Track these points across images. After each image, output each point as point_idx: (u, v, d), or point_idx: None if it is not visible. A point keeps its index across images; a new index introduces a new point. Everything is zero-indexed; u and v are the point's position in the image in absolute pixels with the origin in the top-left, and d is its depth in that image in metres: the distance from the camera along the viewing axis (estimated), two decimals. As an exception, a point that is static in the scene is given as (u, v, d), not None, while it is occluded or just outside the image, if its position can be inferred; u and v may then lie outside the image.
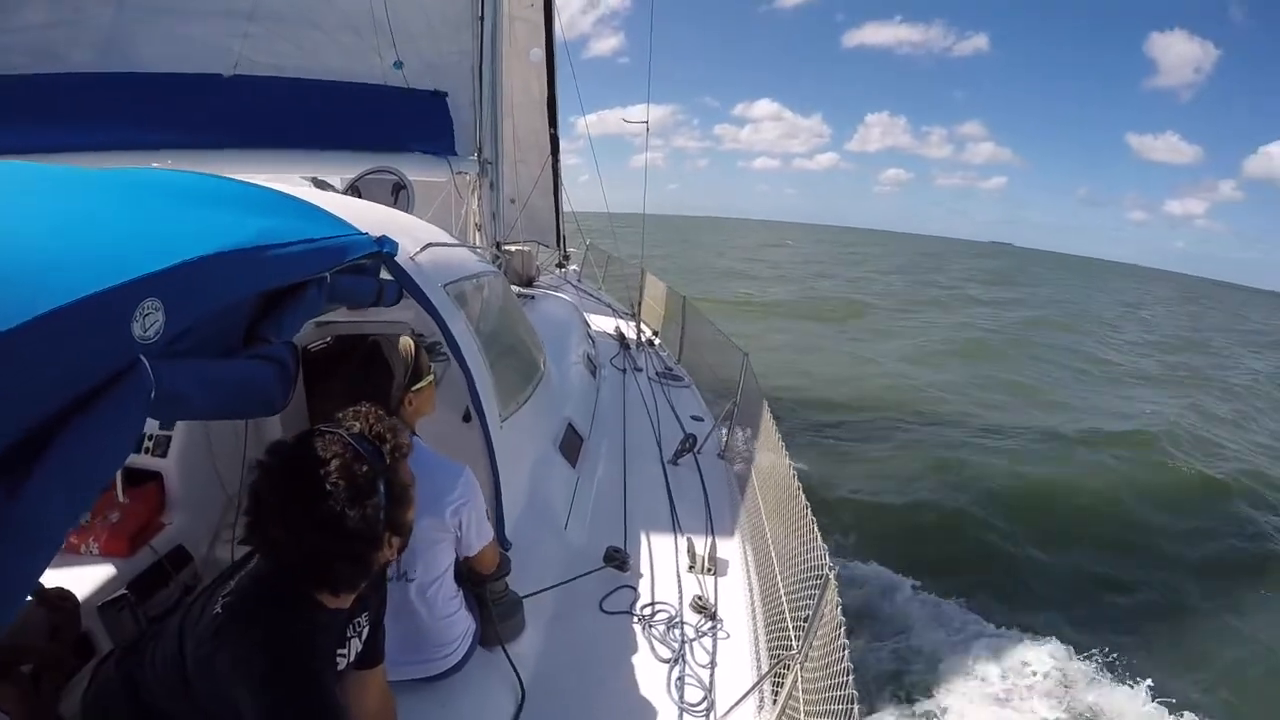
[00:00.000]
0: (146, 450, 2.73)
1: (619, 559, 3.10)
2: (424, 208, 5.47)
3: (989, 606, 6.53)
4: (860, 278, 44.59)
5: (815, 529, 2.61)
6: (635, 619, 2.85)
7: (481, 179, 6.09)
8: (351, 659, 1.55)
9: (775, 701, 2.39)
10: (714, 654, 2.70)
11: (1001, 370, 18.00)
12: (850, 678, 1.96)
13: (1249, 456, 12.30)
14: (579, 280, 10.04)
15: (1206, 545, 8.56)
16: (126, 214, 1.17)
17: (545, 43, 8.07)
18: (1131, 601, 7.14)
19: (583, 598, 2.90)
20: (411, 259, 2.41)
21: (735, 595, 3.11)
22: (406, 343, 2.10)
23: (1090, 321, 30.96)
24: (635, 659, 2.63)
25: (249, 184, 1.83)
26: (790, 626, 2.57)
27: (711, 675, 2.59)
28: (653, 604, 2.95)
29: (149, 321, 0.92)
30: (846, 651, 2.03)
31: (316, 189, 3.98)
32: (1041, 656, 5.80)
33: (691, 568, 3.24)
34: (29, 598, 1.84)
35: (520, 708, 2.22)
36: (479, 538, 2.15)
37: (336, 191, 4.74)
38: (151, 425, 2.74)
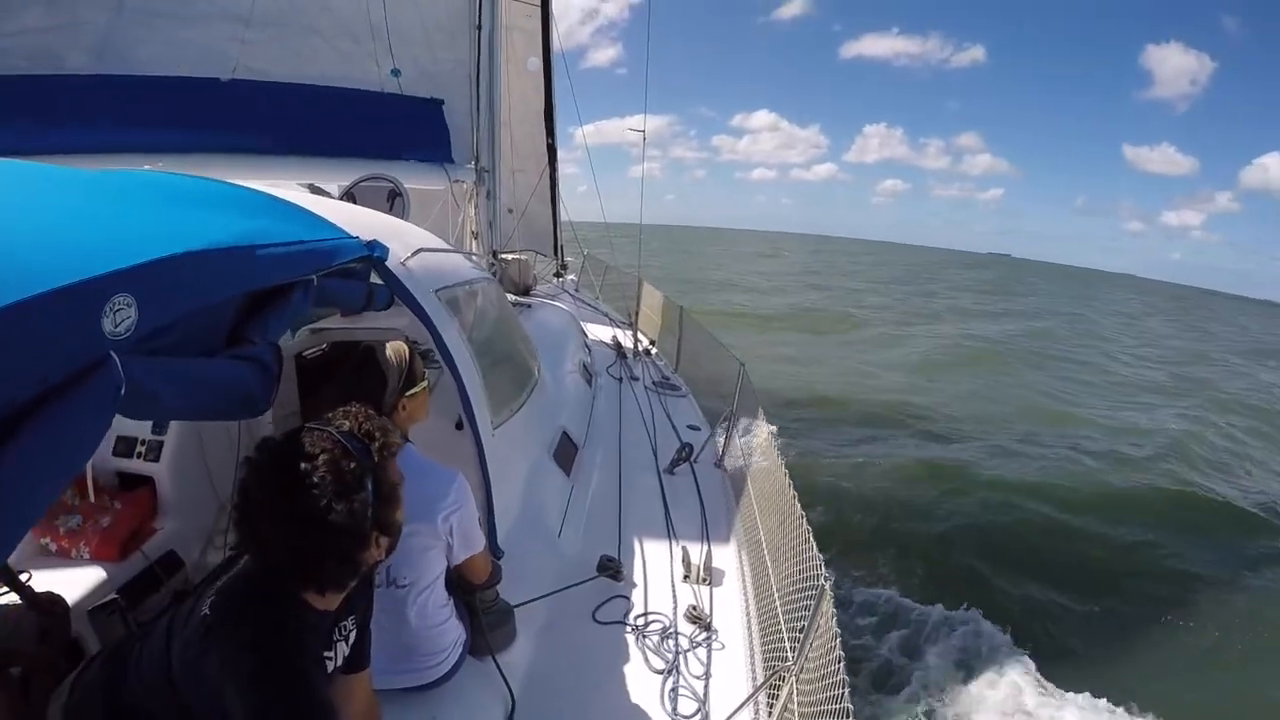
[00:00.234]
0: (139, 455, 2.72)
1: (613, 568, 3.07)
2: (422, 216, 5.45)
3: (989, 620, 6.46)
4: (857, 288, 44.63)
5: (811, 539, 2.59)
6: (629, 629, 2.81)
7: (478, 187, 6.09)
8: (338, 663, 1.53)
9: (770, 714, 2.35)
10: (708, 665, 2.66)
11: (997, 382, 18.02)
12: (846, 690, 1.93)
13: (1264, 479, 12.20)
14: (576, 289, 10.04)
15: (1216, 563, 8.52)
16: (108, 212, 1.16)
17: (543, 52, 8.10)
18: (1145, 620, 7.08)
19: (576, 607, 2.86)
20: (402, 264, 2.39)
21: (730, 606, 3.08)
22: (400, 348, 2.08)
23: (1088, 337, 30.90)
24: (628, 669, 2.59)
25: (239, 186, 1.82)
26: (785, 638, 2.54)
27: (706, 686, 2.55)
28: (647, 614, 2.91)
29: (120, 317, 0.90)
30: (842, 665, 2.00)
31: (312, 195, 3.98)
32: (1038, 668, 5.78)
33: (686, 577, 3.21)
34: (20, 602, 1.85)
35: (510, 718, 2.19)
36: (471, 545, 2.12)
37: (332, 198, 4.74)
38: (144, 430, 2.75)
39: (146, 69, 4.75)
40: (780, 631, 2.62)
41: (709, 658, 2.71)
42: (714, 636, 2.83)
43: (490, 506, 2.59)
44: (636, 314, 8.48)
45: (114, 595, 2.28)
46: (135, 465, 2.71)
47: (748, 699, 2.42)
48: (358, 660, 1.63)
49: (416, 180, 5.55)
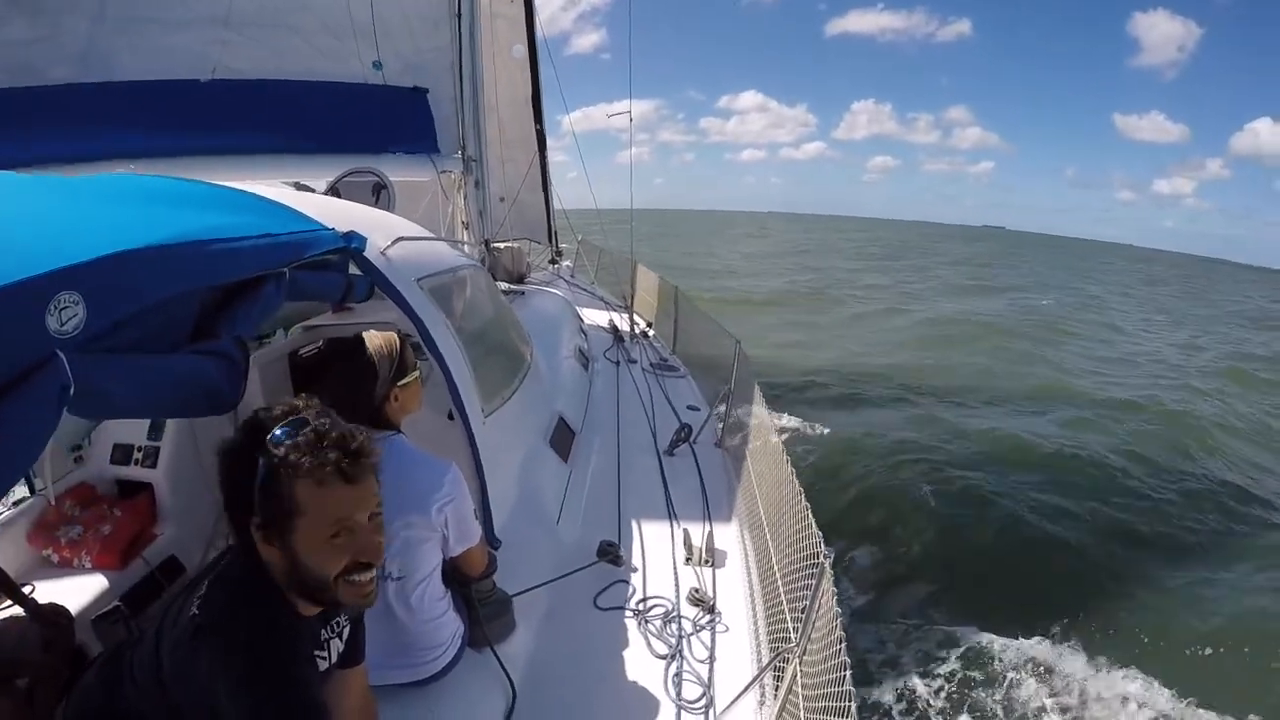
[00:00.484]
0: (136, 461, 2.71)
1: (613, 553, 3.04)
2: (411, 209, 5.42)
3: (988, 598, 6.44)
4: (853, 267, 44.42)
5: (810, 515, 2.55)
6: (630, 614, 2.79)
7: (466, 176, 6.05)
8: (332, 659, 1.52)
9: (776, 696, 2.34)
10: (712, 648, 2.64)
11: (997, 354, 17.87)
12: (848, 672, 1.91)
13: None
14: (572, 276, 10.00)
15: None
16: (59, 213, 1.14)
17: (527, 38, 8.04)
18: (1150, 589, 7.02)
19: (576, 594, 2.83)
20: (382, 254, 2.36)
21: (734, 587, 3.04)
22: (391, 337, 2.05)
23: (1089, 310, 30.50)
24: (631, 655, 2.57)
25: (212, 185, 1.80)
26: (789, 619, 2.52)
27: (710, 670, 2.53)
28: (649, 599, 2.88)
29: (66, 315, 0.89)
30: (844, 645, 1.98)
31: (295, 192, 3.96)
32: (1043, 642, 5.79)
33: (689, 560, 3.18)
34: (24, 614, 1.85)
35: (511, 709, 2.17)
36: (467, 537, 2.09)
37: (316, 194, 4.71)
38: (140, 436, 2.75)
39: (129, 76, 4.75)
40: (783, 611, 2.60)
41: (713, 641, 2.68)
42: (718, 619, 2.80)
43: (485, 496, 2.57)
44: (632, 297, 8.44)
45: (117, 603, 2.28)
46: (133, 472, 2.71)
47: (750, 684, 2.40)
48: (352, 655, 1.62)
49: (403, 172, 5.51)
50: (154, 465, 2.70)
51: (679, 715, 2.33)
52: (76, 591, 2.29)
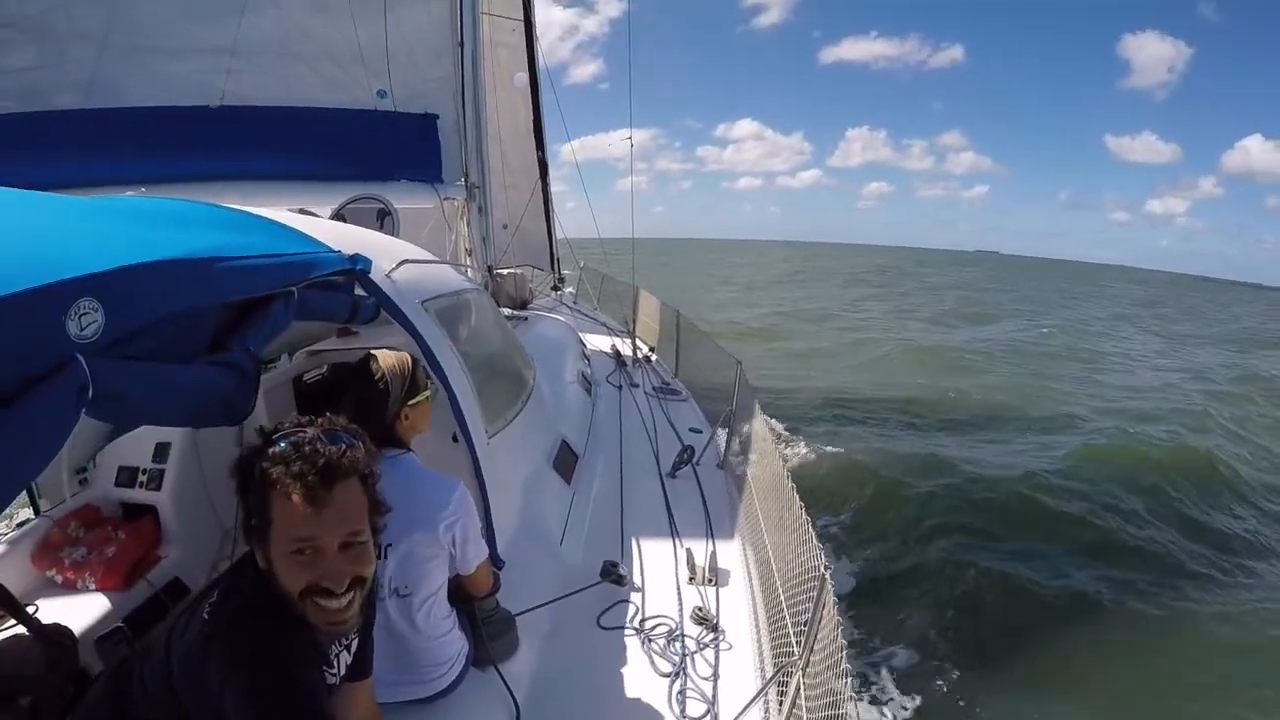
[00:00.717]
0: (140, 484, 2.74)
1: (616, 573, 3.04)
2: (415, 235, 5.47)
3: (990, 614, 6.42)
4: (843, 292, 44.72)
5: (810, 529, 2.56)
6: (634, 633, 2.78)
7: (470, 204, 6.11)
8: (340, 672, 1.52)
9: (780, 710, 2.32)
10: (716, 666, 2.63)
11: (991, 380, 17.90)
12: (848, 680, 1.91)
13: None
14: (574, 302, 10.06)
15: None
16: (78, 228, 1.18)
17: (529, 66, 8.16)
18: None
19: (579, 614, 2.83)
20: (387, 276, 2.40)
21: (737, 605, 3.04)
22: (404, 357, 2.09)
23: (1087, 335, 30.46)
24: (635, 674, 2.56)
25: (221, 207, 1.84)
26: (791, 632, 2.51)
27: (714, 688, 2.51)
28: (652, 617, 2.88)
29: (85, 321, 0.93)
30: (845, 654, 1.98)
31: (301, 217, 4.01)
32: (1045, 654, 5.79)
33: (692, 579, 3.17)
34: (28, 634, 1.87)
35: None
36: (473, 555, 2.11)
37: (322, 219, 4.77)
38: (145, 459, 2.77)
39: (135, 103, 4.81)
40: (786, 626, 2.59)
41: (716, 659, 2.67)
42: (721, 637, 2.79)
43: (489, 515, 2.58)
44: (634, 322, 8.49)
45: (120, 624, 2.30)
46: (138, 495, 2.73)
47: (753, 700, 2.38)
48: (360, 668, 1.62)
49: (407, 200, 5.58)
50: (158, 488, 2.72)
51: None
52: (80, 612, 2.30)
